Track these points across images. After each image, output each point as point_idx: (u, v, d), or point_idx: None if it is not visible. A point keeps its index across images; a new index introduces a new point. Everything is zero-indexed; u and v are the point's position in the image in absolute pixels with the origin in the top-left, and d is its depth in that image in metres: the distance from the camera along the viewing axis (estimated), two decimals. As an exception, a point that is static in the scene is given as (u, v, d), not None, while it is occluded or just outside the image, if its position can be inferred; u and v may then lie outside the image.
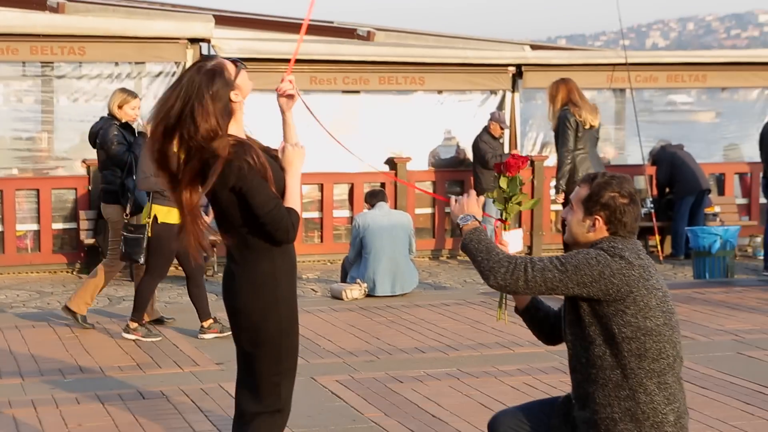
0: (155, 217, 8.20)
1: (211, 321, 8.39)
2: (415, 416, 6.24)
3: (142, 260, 8.32)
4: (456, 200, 4.11)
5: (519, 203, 4.28)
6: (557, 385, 6.87)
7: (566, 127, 9.99)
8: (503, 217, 4.31)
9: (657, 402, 3.82)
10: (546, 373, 7.25)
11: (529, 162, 4.21)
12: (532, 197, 14.20)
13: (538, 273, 3.81)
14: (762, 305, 9.82)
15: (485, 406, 6.38)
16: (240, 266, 4.18)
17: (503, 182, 4.27)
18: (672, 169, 14.31)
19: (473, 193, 4.16)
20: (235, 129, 4.17)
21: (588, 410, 3.91)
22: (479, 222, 4.03)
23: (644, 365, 3.82)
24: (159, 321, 8.87)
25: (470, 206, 4.06)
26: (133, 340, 8.18)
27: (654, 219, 13.68)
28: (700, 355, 7.77)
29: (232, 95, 4.16)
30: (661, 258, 13.64)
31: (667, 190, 14.60)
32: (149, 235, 8.23)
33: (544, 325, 4.35)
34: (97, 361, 7.56)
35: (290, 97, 4.39)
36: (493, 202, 4.36)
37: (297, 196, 4.20)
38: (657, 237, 13.66)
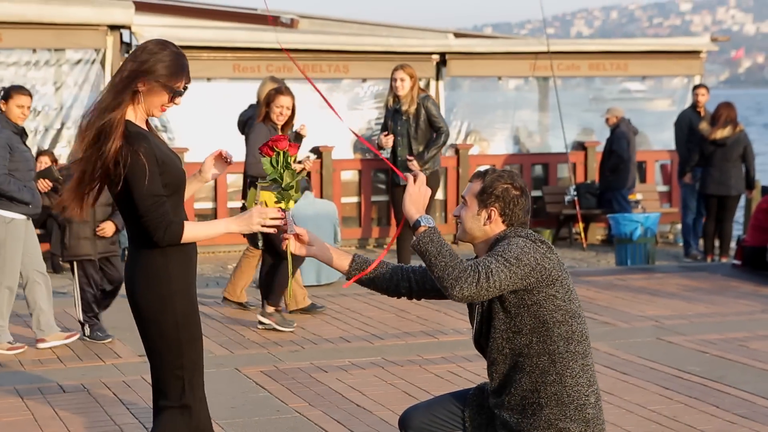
0: (264, 204, 8.08)
1: (273, 309, 8.26)
2: (339, 406, 6.24)
3: (260, 245, 8.31)
4: (413, 183, 3.94)
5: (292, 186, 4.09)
6: (481, 372, 6.89)
7: None
8: (284, 206, 4.11)
9: (581, 384, 3.89)
10: (470, 360, 7.29)
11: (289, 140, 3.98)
12: (458, 188, 14.26)
13: (495, 276, 3.76)
14: (681, 291, 9.99)
15: (410, 395, 6.40)
16: (135, 255, 4.15)
17: (273, 166, 4.06)
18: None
19: (422, 178, 3.99)
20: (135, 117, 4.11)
21: (512, 398, 3.94)
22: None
23: (571, 348, 3.88)
24: (308, 309, 8.83)
25: (421, 200, 3.93)
26: (267, 327, 8.15)
27: (577, 206, 13.84)
28: (620, 341, 7.88)
29: (140, 86, 4.08)
30: (584, 245, 13.81)
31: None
32: None
33: (390, 284, 4.24)
34: (17, 354, 7.42)
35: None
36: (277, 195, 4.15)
37: (205, 230, 4.16)
38: (581, 224, 13.82)
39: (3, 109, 7.56)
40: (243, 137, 9.12)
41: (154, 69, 4.04)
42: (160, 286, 4.10)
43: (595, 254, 13.46)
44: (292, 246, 4.12)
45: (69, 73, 13.72)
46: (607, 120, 14.05)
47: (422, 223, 3.86)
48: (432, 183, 9.93)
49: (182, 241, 4.06)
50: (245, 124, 9.35)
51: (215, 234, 4.21)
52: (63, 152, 13.42)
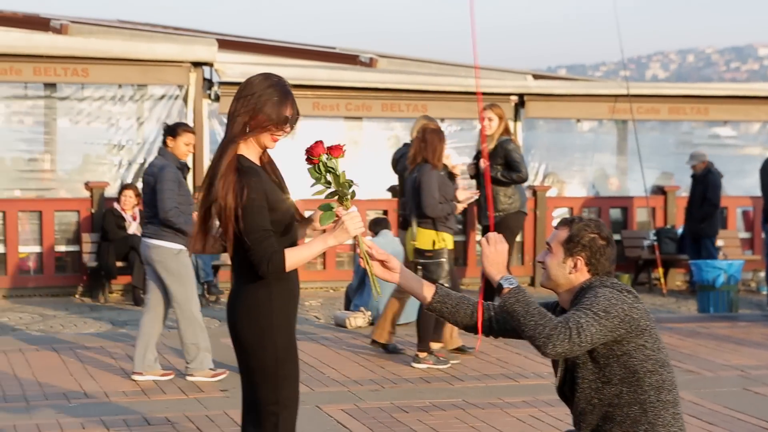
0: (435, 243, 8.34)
1: (425, 354, 8.31)
2: (422, 448, 6.20)
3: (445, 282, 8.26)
4: (488, 243, 3.94)
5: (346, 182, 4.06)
6: (563, 417, 6.82)
7: None
8: (343, 202, 4.08)
9: (674, 429, 3.86)
10: (552, 405, 7.19)
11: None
12: (535, 229, 14.18)
13: (587, 331, 3.74)
14: (767, 341, 9.79)
15: (493, 439, 6.33)
16: (238, 287, 4.21)
17: (318, 173, 4.03)
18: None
19: (501, 241, 3.96)
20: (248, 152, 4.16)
21: None
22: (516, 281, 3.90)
23: (662, 397, 3.84)
24: (460, 350, 8.80)
25: (499, 259, 3.91)
26: (425, 369, 8.19)
27: (657, 251, 13.67)
28: (706, 390, 7.73)
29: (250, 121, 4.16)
30: (664, 291, 13.61)
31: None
32: (410, 259, 8.39)
33: (471, 321, 4.19)
34: (102, 386, 7.51)
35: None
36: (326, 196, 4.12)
37: (305, 253, 4.13)
38: (660, 269, 13.63)
39: (170, 145, 7.76)
40: (396, 175, 9.79)
41: (260, 102, 4.10)
42: (261, 318, 4.12)
43: (675, 300, 13.26)
44: (377, 270, 4.11)
45: (152, 109, 13.94)
46: (694, 166, 13.87)
47: (505, 286, 3.84)
48: (513, 223, 9.87)
49: (287, 269, 4.06)
50: (398, 161, 9.76)
51: (317, 253, 4.20)
52: (145, 186, 13.59)
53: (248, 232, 4.03)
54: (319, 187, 4.05)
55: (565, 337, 3.69)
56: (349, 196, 4.07)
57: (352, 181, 4.07)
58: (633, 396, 3.83)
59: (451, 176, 8.79)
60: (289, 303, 4.20)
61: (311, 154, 4.01)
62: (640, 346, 3.83)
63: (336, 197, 4.08)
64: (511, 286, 3.82)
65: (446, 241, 8.44)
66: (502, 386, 7.80)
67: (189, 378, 7.69)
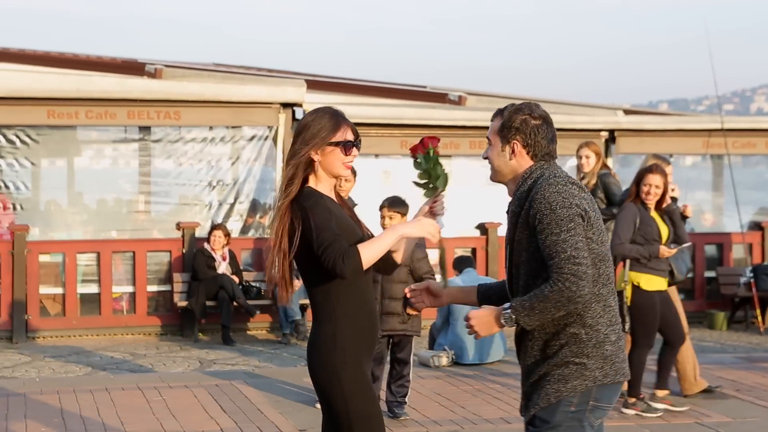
0: (635, 286, 8.03)
1: (634, 400, 8.14)
2: (498, 490, 6.09)
3: (626, 328, 8.02)
4: (471, 323, 3.92)
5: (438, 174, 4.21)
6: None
7: None
8: (437, 192, 4.23)
9: (601, 324, 3.87)
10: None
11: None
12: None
13: (578, 257, 3.73)
14: None
15: (571, 482, 6.19)
16: (314, 325, 4.26)
17: (423, 163, 4.19)
18: None
19: (476, 317, 3.92)
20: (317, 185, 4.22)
21: (535, 342, 3.91)
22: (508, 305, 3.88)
23: (595, 290, 3.84)
24: (708, 391, 8.67)
25: (485, 320, 3.90)
26: (634, 415, 8.03)
27: (754, 288, 13.31)
28: (798, 432, 7.48)
29: (313, 154, 4.18)
30: (762, 329, 13.24)
31: None
32: (628, 303, 7.99)
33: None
34: (183, 425, 7.57)
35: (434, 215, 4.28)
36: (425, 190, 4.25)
37: (378, 246, 4.09)
38: (758, 307, 13.26)
39: None
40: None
41: (316, 133, 4.16)
42: (327, 356, 4.14)
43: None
44: (426, 301, 4.23)
45: (243, 149, 14.14)
46: None
47: (504, 322, 3.86)
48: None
49: (364, 265, 4.01)
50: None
51: (390, 243, 4.13)
52: (235, 226, 13.79)
53: (316, 239, 4.03)
54: (422, 182, 4.22)
55: (576, 280, 3.70)
56: (442, 184, 4.20)
57: (445, 171, 4.22)
58: None
59: (684, 217, 8.48)
60: (359, 340, 4.16)
61: (421, 145, 4.17)
62: (588, 239, 3.84)
63: (431, 186, 4.22)
64: (509, 316, 3.83)
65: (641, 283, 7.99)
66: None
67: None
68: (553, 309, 3.76)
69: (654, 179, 8.06)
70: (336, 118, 4.21)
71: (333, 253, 3.97)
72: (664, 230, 8.13)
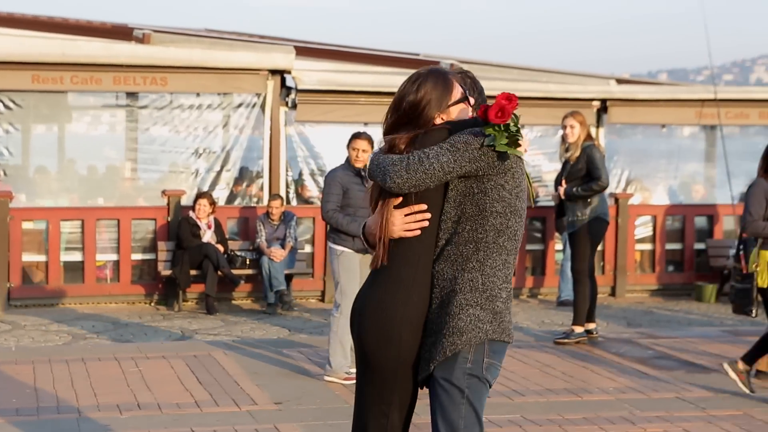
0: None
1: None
2: (470, 467, 6.00)
3: (754, 314, 7.77)
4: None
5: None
6: (624, 437, 6.59)
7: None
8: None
9: (498, 277, 3.84)
10: (613, 422, 6.97)
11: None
12: (617, 238, 13.81)
13: (434, 160, 3.74)
14: None
15: (545, 459, 6.12)
16: None
17: (499, 131, 3.81)
18: None
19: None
20: None
21: (435, 291, 3.85)
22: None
23: (500, 241, 3.83)
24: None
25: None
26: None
27: (743, 261, 13.18)
28: (779, 409, 7.40)
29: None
30: (749, 301, 13.13)
31: None
32: (763, 285, 7.64)
33: None
34: (157, 397, 7.48)
35: None
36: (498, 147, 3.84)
37: None
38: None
39: (348, 153, 8.24)
40: None
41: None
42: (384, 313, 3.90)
43: (762, 312, 12.77)
44: None
45: (231, 116, 13.99)
46: None
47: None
48: (594, 230, 9.68)
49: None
50: None
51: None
52: (221, 194, 13.67)
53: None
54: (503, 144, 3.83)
55: (401, 168, 3.74)
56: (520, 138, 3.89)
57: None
58: (472, 234, 3.81)
59: None
60: (411, 299, 3.90)
61: (503, 112, 3.80)
62: (498, 185, 3.82)
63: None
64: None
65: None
66: (563, 402, 7.57)
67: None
68: (386, 169, 3.79)
69: None
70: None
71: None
72: None
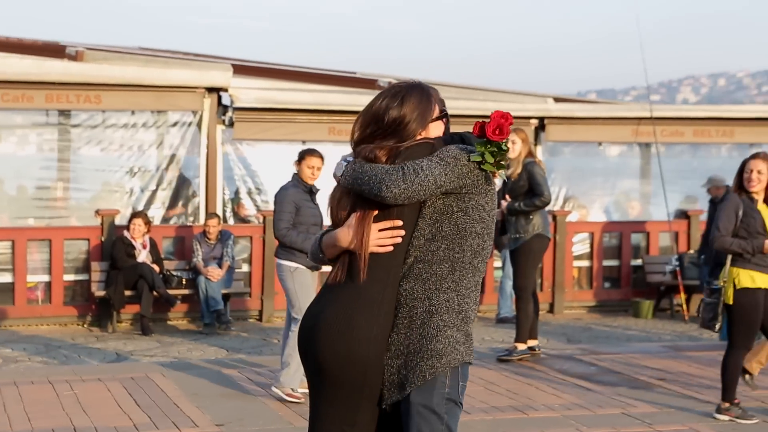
0: (736, 283, 7.42)
1: (728, 404, 7.56)
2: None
3: (716, 328, 7.55)
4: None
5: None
6: (572, 454, 6.52)
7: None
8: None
9: (471, 298, 3.78)
10: (561, 440, 6.90)
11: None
12: (555, 255, 13.81)
13: (428, 172, 3.63)
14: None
15: (494, 477, 6.03)
16: None
17: (491, 149, 3.73)
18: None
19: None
20: None
21: (401, 308, 3.72)
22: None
23: (475, 262, 3.76)
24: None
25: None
26: (728, 421, 7.47)
27: (679, 277, 13.31)
28: (725, 425, 7.39)
29: None
30: (686, 317, 13.24)
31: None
32: (728, 301, 7.43)
33: None
34: (93, 420, 7.25)
35: None
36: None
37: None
38: (683, 295, 13.27)
39: (297, 169, 8.19)
40: None
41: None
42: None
43: (698, 327, 12.85)
44: None
45: (166, 135, 13.78)
46: (709, 189, 13.54)
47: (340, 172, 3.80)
48: (536, 246, 9.65)
49: None
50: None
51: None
52: (157, 213, 13.44)
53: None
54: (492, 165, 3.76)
55: (398, 177, 3.61)
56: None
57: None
58: (447, 254, 3.72)
59: None
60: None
61: (501, 130, 3.71)
62: (480, 206, 3.75)
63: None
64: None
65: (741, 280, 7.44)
66: (509, 419, 7.49)
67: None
68: (368, 180, 3.67)
69: (756, 164, 7.43)
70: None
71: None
72: None
